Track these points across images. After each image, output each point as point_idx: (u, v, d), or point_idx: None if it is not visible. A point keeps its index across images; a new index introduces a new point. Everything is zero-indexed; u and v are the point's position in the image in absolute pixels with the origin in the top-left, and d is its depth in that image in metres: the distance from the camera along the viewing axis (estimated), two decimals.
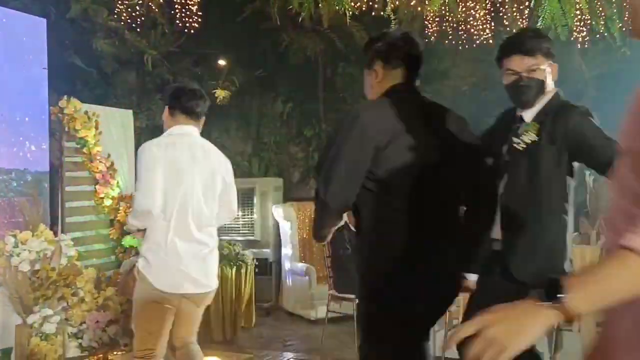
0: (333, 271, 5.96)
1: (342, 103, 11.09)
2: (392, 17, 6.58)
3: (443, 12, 7.36)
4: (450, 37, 8.60)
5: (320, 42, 9.74)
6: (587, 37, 7.77)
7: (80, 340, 5.01)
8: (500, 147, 2.67)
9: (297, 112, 10.85)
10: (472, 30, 8.43)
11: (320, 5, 6.23)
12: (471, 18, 7.59)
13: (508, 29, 8.31)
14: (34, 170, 5.47)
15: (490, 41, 8.51)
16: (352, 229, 6.04)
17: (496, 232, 2.60)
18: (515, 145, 2.59)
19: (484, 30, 8.37)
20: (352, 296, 5.67)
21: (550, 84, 2.66)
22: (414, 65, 2.58)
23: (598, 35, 7.88)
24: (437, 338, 5.16)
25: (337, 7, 6.59)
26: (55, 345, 4.64)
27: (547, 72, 2.62)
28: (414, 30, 8.68)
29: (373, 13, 6.77)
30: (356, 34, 8.76)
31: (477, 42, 8.48)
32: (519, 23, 6.74)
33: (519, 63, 2.55)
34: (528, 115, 2.64)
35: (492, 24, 8.45)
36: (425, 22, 8.51)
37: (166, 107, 3.61)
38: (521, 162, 2.59)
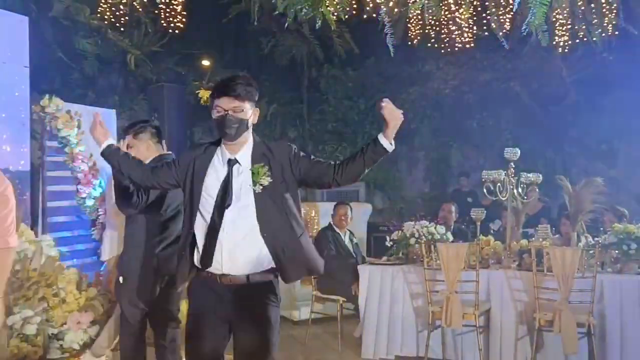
0: None
1: (325, 104, 11.13)
2: (385, 19, 6.57)
3: (426, 15, 7.39)
4: (433, 40, 8.67)
5: (305, 45, 9.75)
6: (569, 42, 7.85)
7: (61, 342, 4.94)
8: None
9: (281, 113, 10.85)
10: (455, 33, 8.48)
11: (304, 10, 6.21)
12: (453, 22, 7.64)
13: (493, 32, 8.39)
14: (14, 169, 5.40)
15: (472, 45, 8.59)
16: (336, 230, 6.06)
17: None
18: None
19: (467, 33, 8.43)
20: (336, 297, 5.69)
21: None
22: None
23: (578, 40, 7.96)
24: (421, 338, 5.20)
25: (321, 13, 6.57)
26: (36, 347, 4.57)
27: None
28: (396, 33, 8.73)
29: (365, 16, 6.76)
30: (337, 39, 8.78)
31: (460, 45, 8.55)
32: (503, 26, 6.78)
33: (227, 103, 2.82)
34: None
35: (475, 28, 8.51)
36: (408, 25, 8.56)
37: None
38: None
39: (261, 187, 2.79)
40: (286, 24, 6.85)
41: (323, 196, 10.35)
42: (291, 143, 2.98)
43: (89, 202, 5.95)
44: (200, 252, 2.83)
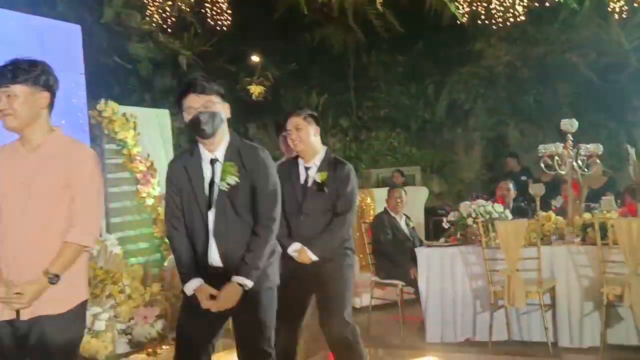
0: (375, 258, 5.95)
1: (376, 91, 11.06)
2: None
3: None
4: (482, 17, 8.48)
5: (351, 33, 9.71)
6: (625, 7, 7.54)
7: (129, 336, 5.12)
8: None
9: (332, 103, 10.86)
10: (505, 8, 8.27)
11: None
12: None
13: (547, 4, 8.13)
14: None
15: (524, 18, 8.35)
16: (392, 214, 6.02)
17: None
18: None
19: (518, 6, 8.20)
20: (395, 282, 5.65)
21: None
22: None
23: (636, 5, 7.64)
24: (479, 320, 5.11)
25: None
26: (105, 342, 4.76)
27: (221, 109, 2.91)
28: (445, 12, 8.59)
29: None
30: (381, 24, 8.69)
31: (511, 20, 8.34)
32: None
33: (195, 101, 2.83)
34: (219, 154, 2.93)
35: (525, 0, 8.28)
36: (456, 4, 8.41)
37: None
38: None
39: (227, 186, 2.83)
40: (328, 10, 6.85)
41: (379, 182, 10.32)
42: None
43: (149, 201, 6.13)
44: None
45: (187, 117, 2.85)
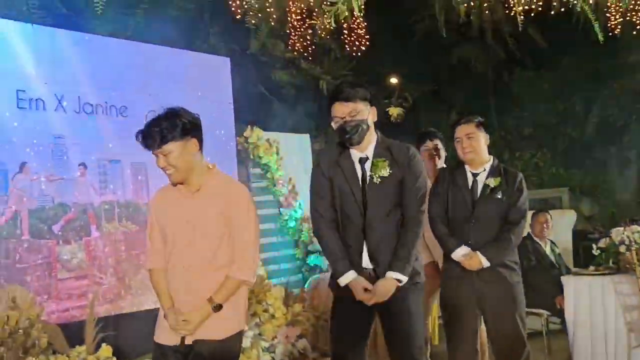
0: None
1: (519, 108, 10.67)
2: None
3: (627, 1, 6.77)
4: (638, 27, 7.92)
5: (490, 51, 9.49)
6: None
7: (272, 354, 5.32)
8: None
9: None
10: None
11: (486, 11, 6.07)
12: None
13: None
14: None
15: None
16: (536, 239, 5.76)
17: None
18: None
19: None
20: (540, 311, 5.40)
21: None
22: None
23: None
24: (636, 356, 4.73)
25: (506, 11, 6.35)
26: (251, 358, 4.98)
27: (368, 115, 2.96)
28: (595, 24, 8.14)
29: (552, 12, 6.38)
30: (525, 39, 8.38)
31: None
32: None
33: (341, 110, 2.89)
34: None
35: None
36: (607, 15, 7.93)
37: None
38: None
39: (379, 180, 2.89)
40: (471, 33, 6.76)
41: None
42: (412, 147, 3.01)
43: (291, 224, 6.37)
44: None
45: (335, 125, 2.95)
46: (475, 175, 3.55)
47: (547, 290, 5.39)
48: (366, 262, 2.93)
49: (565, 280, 5.12)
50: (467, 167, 3.59)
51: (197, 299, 2.66)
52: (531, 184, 10.37)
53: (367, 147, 2.96)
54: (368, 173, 2.93)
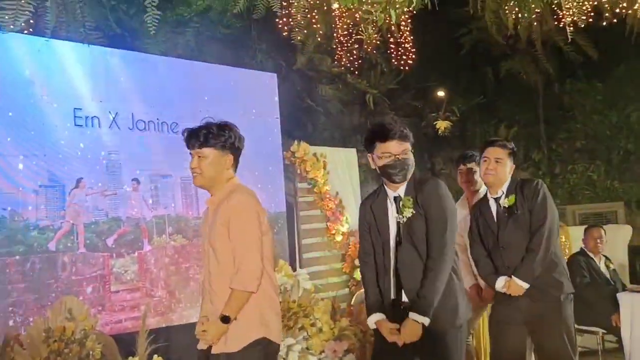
0: None
1: (571, 121, 10.44)
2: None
3: None
4: None
5: (539, 62, 9.32)
6: None
7: None
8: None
9: (522, 135, 10.45)
10: None
11: (535, 22, 5.99)
12: None
13: None
14: (272, 211, 6.01)
15: None
16: (589, 255, 5.62)
17: None
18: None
19: None
20: (595, 329, 5.25)
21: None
22: None
23: None
24: None
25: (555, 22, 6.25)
26: None
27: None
28: None
29: (604, 23, 6.25)
30: (575, 50, 8.21)
31: None
32: None
33: (396, 147, 2.93)
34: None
35: None
36: None
37: None
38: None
39: (404, 219, 2.92)
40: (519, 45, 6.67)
41: (575, 219, 9.65)
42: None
43: (338, 238, 6.37)
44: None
45: (381, 161, 2.97)
46: (497, 200, 3.56)
47: (602, 308, 5.24)
48: (404, 297, 2.98)
49: (621, 297, 4.98)
50: (489, 194, 3.60)
51: (217, 311, 2.71)
52: (585, 198, 10.14)
53: (401, 184, 3.02)
54: (398, 212, 2.99)
